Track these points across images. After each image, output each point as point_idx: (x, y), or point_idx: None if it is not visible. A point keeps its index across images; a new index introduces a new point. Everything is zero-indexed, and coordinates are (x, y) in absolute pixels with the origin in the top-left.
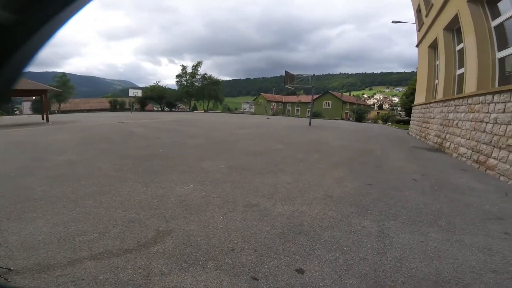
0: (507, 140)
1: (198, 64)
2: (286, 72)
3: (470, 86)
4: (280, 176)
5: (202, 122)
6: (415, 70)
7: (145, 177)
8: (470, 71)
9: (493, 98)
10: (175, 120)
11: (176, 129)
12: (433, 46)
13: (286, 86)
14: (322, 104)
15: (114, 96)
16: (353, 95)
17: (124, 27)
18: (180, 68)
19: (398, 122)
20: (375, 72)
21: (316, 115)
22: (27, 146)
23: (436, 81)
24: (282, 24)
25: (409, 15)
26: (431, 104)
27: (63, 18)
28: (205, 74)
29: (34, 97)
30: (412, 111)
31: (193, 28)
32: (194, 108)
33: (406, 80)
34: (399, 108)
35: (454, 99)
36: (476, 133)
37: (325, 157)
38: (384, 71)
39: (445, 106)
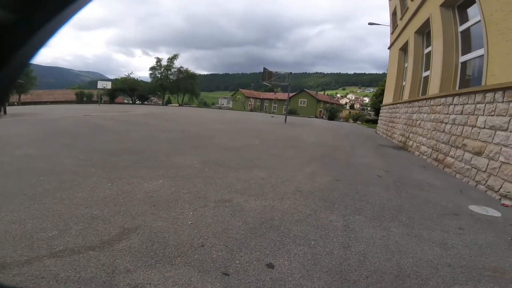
0: (463, 140)
1: (174, 57)
2: (264, 68)
3: (433, 88)
4: (255, 172)
5: (176, 116)
6: (385, 72)
7: (111, 173)
8: (435, 73)
9: (453, 100)
10: (147, 114)
11: (147, 123)
12: (404, 49)
13: (264, 82)
14: (298, 102)
15: (82, 88)
16: (327, 94)
17: (98, 18)
18: (155, 60)
19: (368, 121)
20: (349, 72)
21: (291, 112)
22: None
23: (404, 83)
24: (265, 20)
25: (385, 17)
26: (398, 105)
27: (63, 18)
28: (181, 67)
29: None
30: (380, 111)
31: (171, 21)
32: (168, 102)
33: (377, 81)
34: (369, 108)
35: (418, 100)
36: (436, 132)
37: (299, 153)
38: (358, 71)
39: (410, 107)
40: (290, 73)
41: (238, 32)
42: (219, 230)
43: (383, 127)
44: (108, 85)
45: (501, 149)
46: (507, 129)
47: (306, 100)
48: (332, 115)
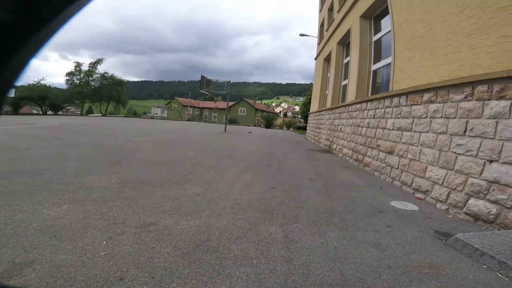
0: (377, 141)
1: (98, 61)
2: (202, 76)
3: (350, 95)
4: (187, 187)
5: (95, 127)
6: (312, 82)
7: None
8: (352, 81)
9: (366, 105)
10: (58, 126)
11: (57, 136)
12: (328, 59)
13: (202, 91)
14: (238, 111)
15: None
16: (264, 103)
17: None
18: (74, 65)
19: (298, 128)
20: (282, 82)
21: (232, 121)
22: None
23: (327, 91)
24: (204, 28)
25: (314, 30)
26: (322, 112)
27: (63, 18)
28: (105, 73)
29: None
30: (308, 118)
31: (99, 21)
32: (89, 112)
33: (305, 90)
34: (299, 116)
35: (339, 107)
36: (354, 136)
37: (236, 163)
38: (289, 81)
39: (332, 113)
40: (229, 81)
41: (174, 37)
42: (142, 260)
43: (311, 133)
44: (11, 93)
45: (408, 147)
46: (411, 130)
47: (245, 109)
48: (269, 123)
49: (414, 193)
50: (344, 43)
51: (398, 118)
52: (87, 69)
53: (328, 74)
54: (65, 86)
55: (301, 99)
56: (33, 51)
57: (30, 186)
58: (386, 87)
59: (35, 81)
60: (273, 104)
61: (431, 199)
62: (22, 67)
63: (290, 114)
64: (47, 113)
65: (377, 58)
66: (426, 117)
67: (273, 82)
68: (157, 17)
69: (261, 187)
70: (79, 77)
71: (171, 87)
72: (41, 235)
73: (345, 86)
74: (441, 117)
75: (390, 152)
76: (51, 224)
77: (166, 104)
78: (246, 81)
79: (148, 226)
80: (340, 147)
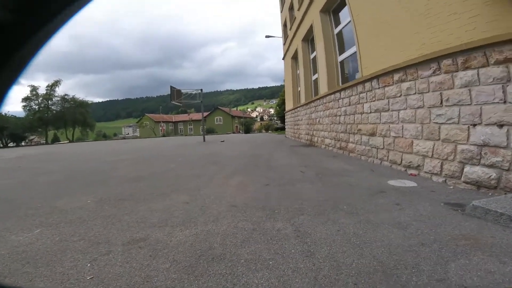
0: (357, 126)
1: (55, 83)
2: (171, 87)
3: (323, 87)
4: (174, 197)
5: (64, 154)
6: (283, 83)
7: None
8: (322, 74)
9: (340, 94)
10: (22, 156)
11: (22, 166)
12: (295, 57)
13: (173, 102)
14: (214, 120)
15: None
16: (240, 110)
17: None
18: (29, 89)
19: (277, 129)
20: (254, 87)
21: (209, 131)
22: None
23: (299, 88)
24: (167, 40)
25: (278, 31)
26: (298, 109)
27: (63, 18)
28: (65, 95)
29: None
30: (285, 117)
31: (51, 41)
32: (55, 140)
33: (277, 92)
34: (275, 118)
35: (313, 101)
36: (334, 125)
37: (222, 168)
38: (261, 85)
39: (308, 108)
40: (201, 90)
41: (135, 53)
42: (138, 281)
43: (290, 130)
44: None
45: (389, 126)
46: (389, 110)
47: (222, 118)
48: (248, 128)
49: (406, 170)
50: (309, 39)
51: (374, 101)
52: (44, 92)
53: (298, 72)
54: (23, 114)
55: (274, 101)
56: (33, 51)
57: None
58: (354, 76)
59: None
60: (249, 110)
61: (425, 173)
62: (22, 67)
63: (266, 117)
64: (8, 145)
65: (342, 50)
66: (400, 95)
67: (246, 87)
68: (114, 33)
69: (254, 186)
70: (37, 102)
71: (139, 104)
72: (12, 263)
73: (316, 80)
74: (415, 93)
75: (372, 134)
76: (22, 250)
77: (137, 122)
78: (219, 90)
79: (137, 242)
80: (322, 138)
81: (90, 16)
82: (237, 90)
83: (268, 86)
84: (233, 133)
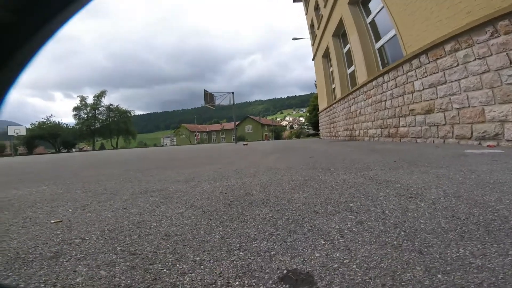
0: (408, 107)
1: (102, 94)
2: (205, 90)
3: (361, 76)
4: (207, 167)
5: (124, 153)
6: (312, 92)
7: None
8: (359, 64)
9: (383, 78)
10: (102, 153)
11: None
12: (326, 55)
13: (207, 105)
14: (244, 129)
15: None
16: (269, 119)
17: None
18: (79, 99)
19: (308, 136)
20: (282, 97)
21: (240, 138)
22: None
23: (333, 85)
24: (196, 55)
25: (303, 37)
26: (333, 105)
27: (63, 18)
28: (110, 104)
29: None
30: (319, 118)
31: (93, 59)
32: (101, 148)
33: (306, 101)
34: (306, 126)
35: (351, 93)
36: (378, 113)
37: (258, 153)
38: (289, 95)
39: (345, 102)
40: (232, 93)
41: (168, 68)
42: (125, 225)
43: (325, 130)
44: (22, 131)
45: (449, 98)
46: (446, 82)
47: (251, 126)
48: (278, 136)
49: (479, 143)
50: (339, 34)
51: (425, 76)
52: (92, 102)
53: (331, 69)
54: (73, 123)
55: (304, 110)
56: (33, 51)
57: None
58: (396, 57)
59: (44, 119)
60: (278, 119)
61: (507, 142)
62: (22, 68)
63: (297, 126)
64: (60, 151)
65: (377, 37)
66: (457, 65)
67: (274, 97)
68: (148, 49)
69: (296, 159)
70: (85, 111)
71: (176, 116)
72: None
73: (352, 73)
74: (474, 59)
75: (429, 111)
76: (16, 199)
77: (174, 132)
78: (247, 101)
79: (151, 192)
80: (364, 130)
81: (126, 33)
82: (265, 100)
83: (297, 95)
84: (263, 140)
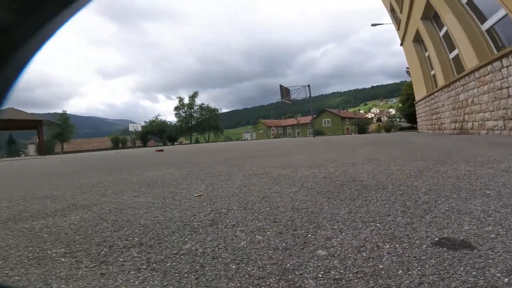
0: None
1: (195, 94)
2: (280, 86)
3: (469, 61)
4: (297, 156)
5: (225, 147)
6: (403, 80)
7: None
8: (464, 47)
9: (501, 63)
10: (199, 149)
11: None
12: (417, 40)
13: (283, 100)
14: (321, 123)
15: (117, 135)
16: (350, 111)
17: (117, 65)
18: (178, 100)
19: (401, 129)
20: (366, 86)
21: (318, 133)
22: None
23: (433, 71)
24: (265, 52)
25: (383, 23)
26: (435, 94)
27: (63, 19)
28: (202, 104)
29: (37, 139)
30: (416, 108)
31: (182, 63)
32: (196, 141)
33: (396, 90)
34: (398, 119)
35: (458, 80)
36: (499, 102)
37: (349, 144)
38: (374, 84)
39: (452, 89)
40: (308, 86)
41: (244, 66)
42: (253, 199)
43: (425, 123)
44: (139, 128)
45: None
46: None
47: (329, 120)
48: (362, 129)
49: None
50: (429, 17)
51: None
52: (188, 102)
53: (426, 53)
54: (175, 121)
55: (394, 100)
56: (33, 51)
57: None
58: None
59: (153, 117)
60: (361, 112)
61: None
62: (22, 68)
63: (385, 118)
64: (166, 144)
65: (481, 18)
66: None
67: (355, 88)
68: (223, 50)
69: (397, 151)
70: (183, 110)
71: (254, 112)
72: (135, 185)
73: (456, 57)
74: None
75: None
76: (150, 179)
77: (253, 128)
78: (323, 93)
79: (258, 175)
80: (479, 122)
81: (203, 37)
82: (344, 91)
83: (383, 84)
84: (343, 134)
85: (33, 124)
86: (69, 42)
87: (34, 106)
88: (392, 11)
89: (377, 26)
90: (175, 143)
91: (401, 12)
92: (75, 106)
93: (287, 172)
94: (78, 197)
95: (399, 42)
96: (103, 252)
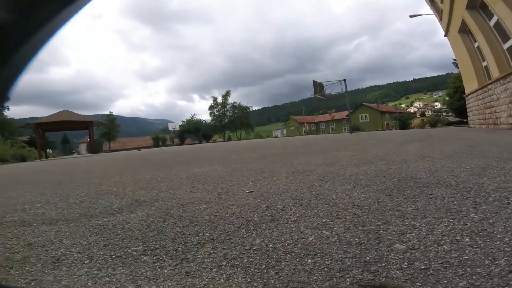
0: None
1: (227, 93)
2: (314, 81)
3: None
4: (338, 153)
5: (265, 143)
6: (450, 72)
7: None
8: None
9: None
10: (237, 146)
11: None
12: (464, 30)
13: (317, 95)
14: (358, 118)
15: (157, 134)
16: (390, 106)
17: (155, 67)
18: (211, 99)
19: (449, 124)
20: (407, 79)
21: (354, 129)
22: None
23: (484, 63)
24: (295, 47)
25: (422, 13)
26: (489, 86)
27: (63, 18)
28: (234, 102)
29: (89, 139)
30: (466, 102)
31: (214, 63)
32: (229, 139)
33: (442, 83)
34: (444, 113)
35: None
36: None
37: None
38: (416, 77)
39: (508, 81)
40: (344, 80)
41: (273, 63)
42: (307, 196)
43: (477, 117)
44: (177, 127)
45: None
46: None
47: (367, 115)
48: (404, 125)
49: None
50: (476, 6)
51: None
52: (221, 101)
53: (476, 44)
54: (209, 120)
55: (440, 94)
56: (33, 51)
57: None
58: None
59: (190, 117)
60: (402, 106)
61: None
62: (22, 68)
63: (430, 112)
64: (202, 142)
65: None
66: None
67: (395, 81)
68: (254, 48)
69: (450, 147)
70: (217, 109)
71: (285, 109)
72: (185, 180)
73: (510, 48)
74: None
75: None
76: (198, 175)
77: (284, 124)
78: (360, 88)
79: (303, 172)
80: None
81: (233, 36)
82: (383, 85)
83: (427, 77)
84: (383, 130)
85: (85, 124)
86: (111, 45)
87: (85, 108)
88: (431, 1)
89: (415, 17)
90: (210, 141)
91: (441, 1)
92: (120, 107)
93: (334, 170)
94: (138, 193)
95: (442, 33)
96: (179, 248)
